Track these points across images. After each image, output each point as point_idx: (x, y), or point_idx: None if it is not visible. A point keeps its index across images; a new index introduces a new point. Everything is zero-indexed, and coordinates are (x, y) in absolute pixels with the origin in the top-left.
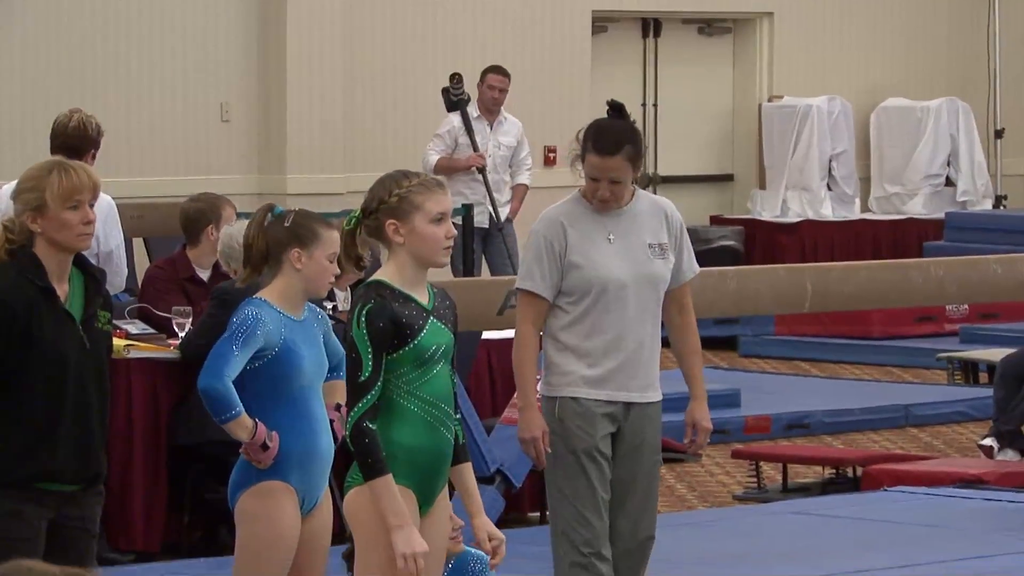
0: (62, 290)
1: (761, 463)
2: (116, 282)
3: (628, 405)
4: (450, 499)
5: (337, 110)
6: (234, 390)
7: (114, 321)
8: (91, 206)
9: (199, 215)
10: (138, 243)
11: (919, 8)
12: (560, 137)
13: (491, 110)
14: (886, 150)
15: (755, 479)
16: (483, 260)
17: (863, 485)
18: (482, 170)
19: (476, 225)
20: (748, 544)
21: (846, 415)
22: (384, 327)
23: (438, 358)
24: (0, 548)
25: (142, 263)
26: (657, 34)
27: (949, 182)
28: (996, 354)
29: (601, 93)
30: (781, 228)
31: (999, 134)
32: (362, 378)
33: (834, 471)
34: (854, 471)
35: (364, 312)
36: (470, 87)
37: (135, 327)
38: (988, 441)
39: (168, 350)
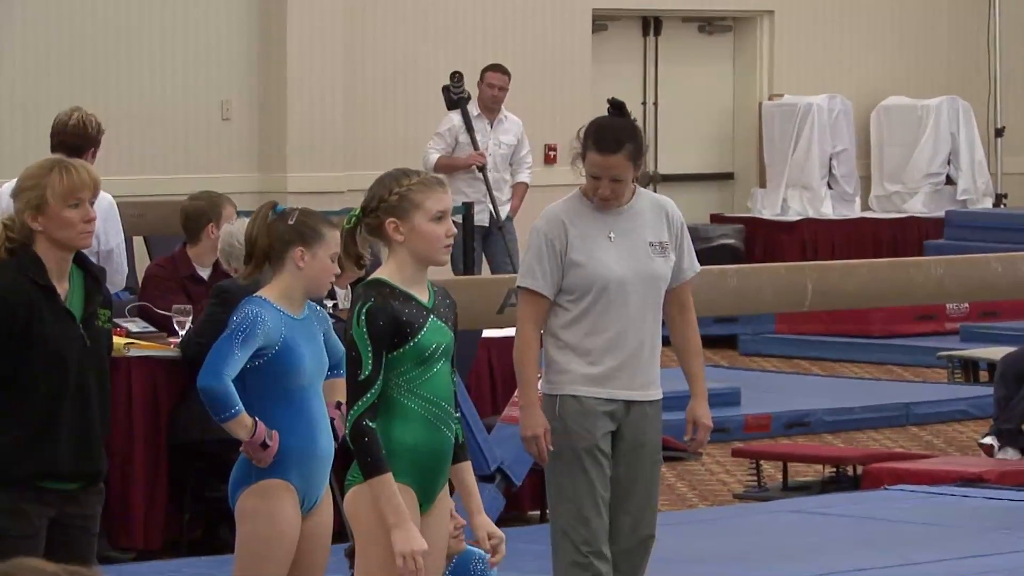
0: (62, 288)
1: (761, 462)
2: (116, 280)
3: (629, 403)
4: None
5: (338, 108)
6: (234, 389)
7: (114, 319)
8: (91, 204)
9: (199, 213)
10: (138, 241)
11: (920, 7)
12: (560, 135)
13: (491, 108)
14: (887, 148)
15: (755, 478)
16: (483, 258)
17: (863, 484)
18: (482, 168)
19: (476, 223)
20: (748, 543)
21: (846, 414)
22: (384, 325)
23: (438, 356)
24: (1, 546)
25: (142, 261)
26: (658, 32)
27: (949, 181)
28: (996, 352)
29: (601, 91)
30: (781, 227)
31: (999, 133)
32: (362, 376)
33: (834, 470)
34: (854, 470)
35: (364, 310)
36: (470, 85)
37: (135, 325)
38: (988, 440)
39: (168, 348)
